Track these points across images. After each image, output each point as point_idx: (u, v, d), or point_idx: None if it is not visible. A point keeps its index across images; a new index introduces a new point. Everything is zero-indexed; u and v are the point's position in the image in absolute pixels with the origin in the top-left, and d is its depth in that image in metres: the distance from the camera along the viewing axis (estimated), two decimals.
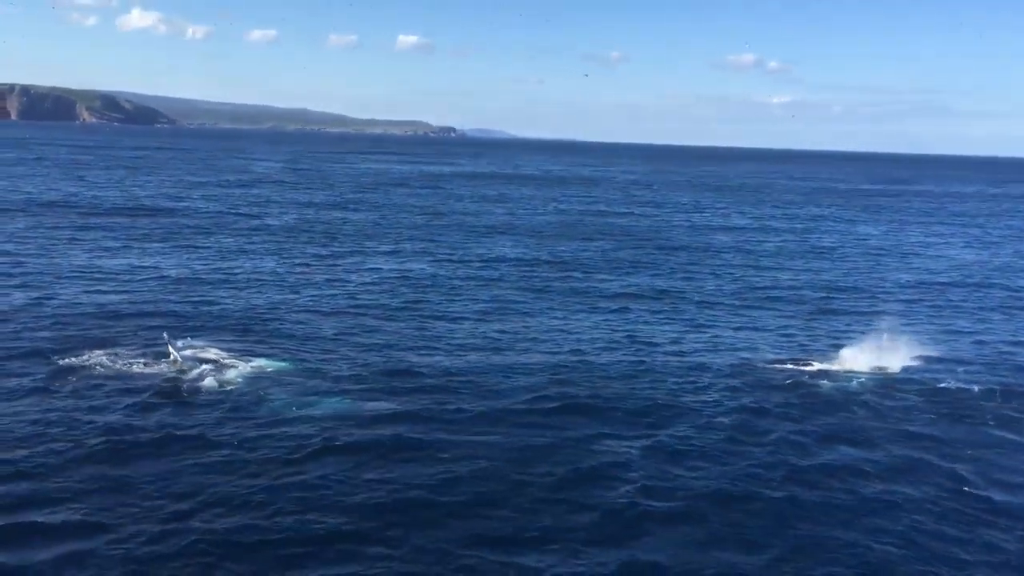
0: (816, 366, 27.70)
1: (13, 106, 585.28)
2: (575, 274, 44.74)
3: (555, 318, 33.79)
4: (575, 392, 24.09)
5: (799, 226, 75.14)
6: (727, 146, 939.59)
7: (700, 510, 16.94)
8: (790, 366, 27.90)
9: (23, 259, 41.16)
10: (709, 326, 33.66)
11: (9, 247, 44.42)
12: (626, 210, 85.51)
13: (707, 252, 55.90)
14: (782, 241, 63.59)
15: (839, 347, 29.33)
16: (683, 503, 17.17)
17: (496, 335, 30.46)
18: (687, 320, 34.66)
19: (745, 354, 29.33)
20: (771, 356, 29.10)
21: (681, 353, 29.06)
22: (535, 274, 44.24)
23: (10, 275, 36.92)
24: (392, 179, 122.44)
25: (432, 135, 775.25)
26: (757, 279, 45.61)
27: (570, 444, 20.06)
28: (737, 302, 38.93)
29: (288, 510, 15.66)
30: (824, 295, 41.73)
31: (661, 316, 35.20)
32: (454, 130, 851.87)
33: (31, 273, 37.73)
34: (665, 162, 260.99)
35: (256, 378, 23.50)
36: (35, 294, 33.33)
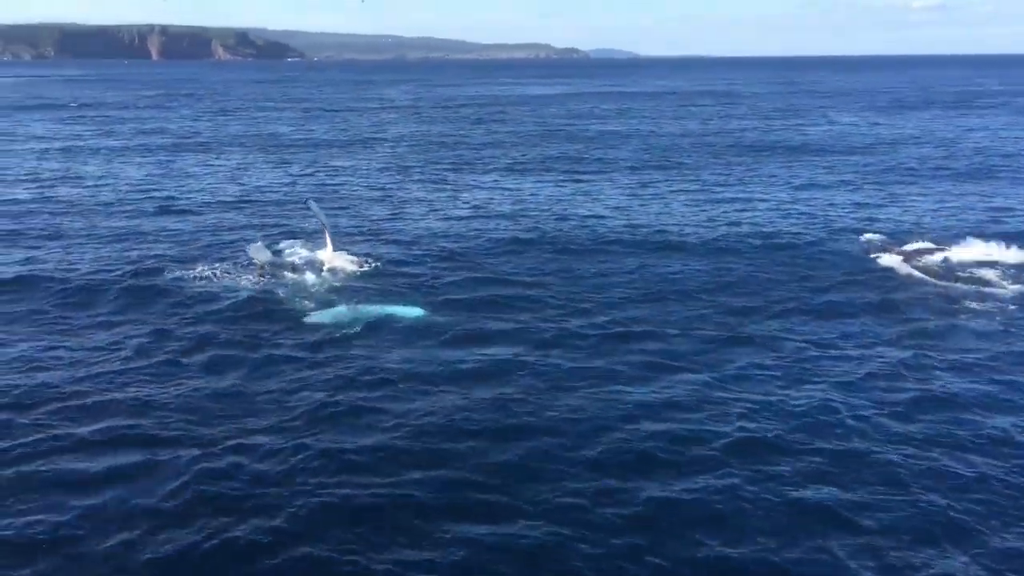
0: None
1: (154, 45, 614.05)
2: (691, 183, 43.17)
3: (666, 214, 32.79)
4: (685, 295, 23.26)
5: (942, 134, 69.81)
6: (864, 54, 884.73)
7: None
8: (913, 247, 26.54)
9: (153, 184, 43.38)
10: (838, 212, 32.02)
11: (145, 175, 46.94)
12: (753, 121, 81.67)
13: (843, 155, 52.89)
14: (930, 147, 59.32)
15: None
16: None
17: (602, 230, 29.90)
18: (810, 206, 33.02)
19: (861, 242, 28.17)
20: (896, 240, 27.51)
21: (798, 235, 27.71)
22: (648, 179, 43.12)
23: (130, 200, 38.93)
24: (514, 101, 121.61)
25: (555, 57, 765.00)
26: (895, 187, 42.78)
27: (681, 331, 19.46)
28: (862, 198, 36.79)
29: (353, 426, 15.09)
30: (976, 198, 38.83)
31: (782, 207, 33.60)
32: (577, 51, 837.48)
33: (155, 196, 39.63)
34: (797, 73, 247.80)
35: (342, 289, 23.23)
36: (150, 212, 35.30)
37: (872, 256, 26.65)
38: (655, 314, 21.33)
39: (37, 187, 40.81)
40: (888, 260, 25.94)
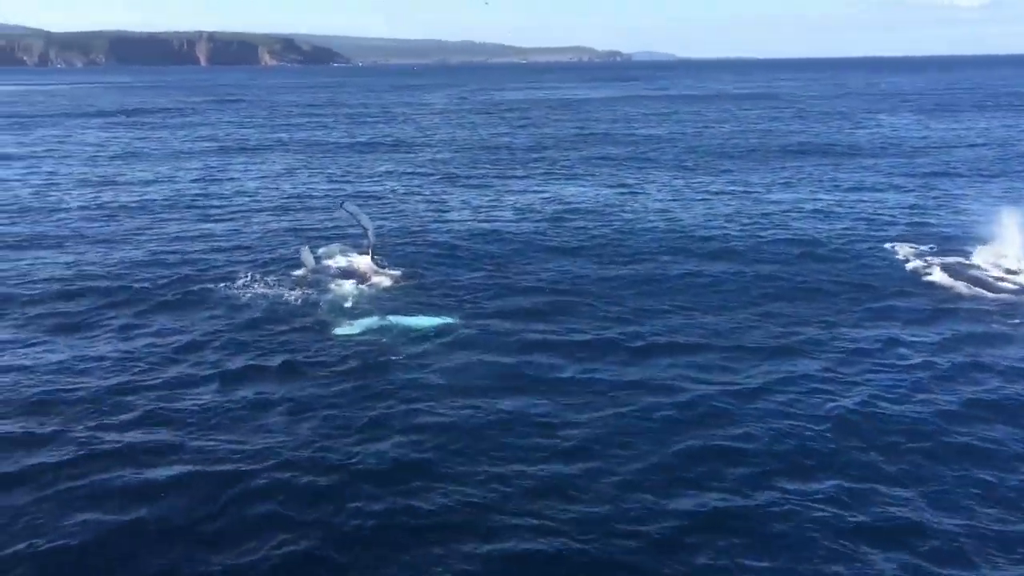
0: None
1: (202, 52, 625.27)
2: (737, 187, 42.44)
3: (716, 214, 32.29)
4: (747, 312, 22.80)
5: (998, 135, 67.95)
6: (911, 54, 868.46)
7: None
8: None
9: (199, 190, 44.09)
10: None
11: (191, 180, 47.62)
12: (802, 124, 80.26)
13: (895, 158, 51.62)
14: (985, 150, 57.76)
15: None
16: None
17: (644, 237, 29.46)
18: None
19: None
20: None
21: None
22: (694, 182, 42.47)
23: (180, 203, 39.47)
24: (557, 104, 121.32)
25: (597, 60, 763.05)
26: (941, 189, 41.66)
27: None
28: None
29: (388, 440, 14.82)
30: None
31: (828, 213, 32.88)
32: (620, 54, 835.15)
33: (200, 204, 40.15)
34: (844, 75, 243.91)
35: (380, 299, 22.94)
36: (199, 217, 35.70)
37: (922, 265, 25.77)
38: (698, 324, 20.88)
39: (87, 193, 41.53)
40: (939, 270, 25.00)
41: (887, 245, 28.85)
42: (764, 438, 14.68)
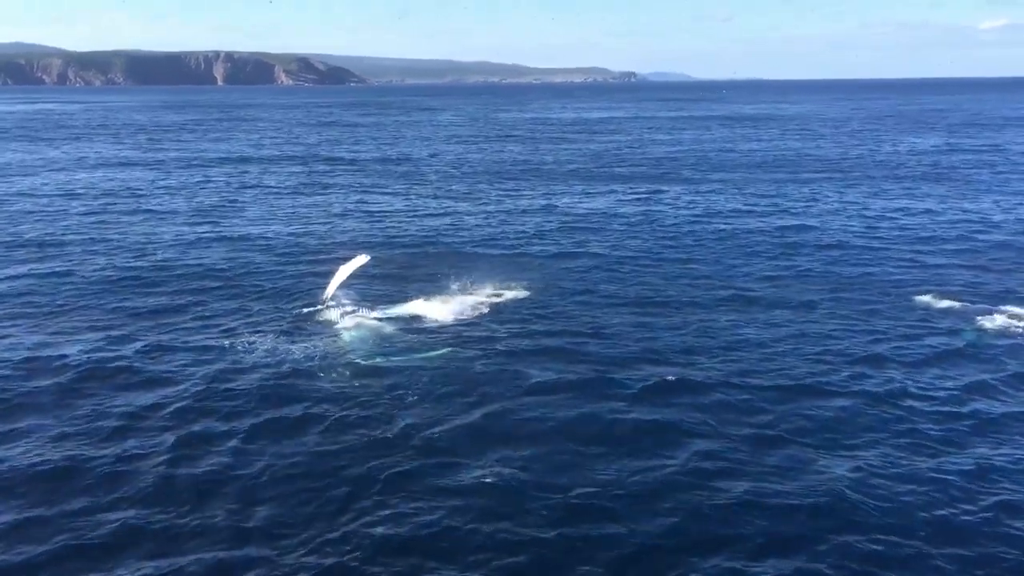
0: None
1: (219, 72, 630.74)
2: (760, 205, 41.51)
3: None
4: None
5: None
6: (926, 77, 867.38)
7: None
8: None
9: (206, 209, 43.45)
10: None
11: (204, 197, 47.09)
12: (828, 144, 79.30)
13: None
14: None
15: None
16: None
17: (656, 269, 28.57)
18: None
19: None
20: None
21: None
22: (711, 197, 41.53)
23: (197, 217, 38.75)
24: (570, 123, 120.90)
25: (612, 80, 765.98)
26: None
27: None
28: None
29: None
30: None
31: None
32: (634, 75, 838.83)
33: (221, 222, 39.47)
34: (861, 97, 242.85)
35: (388, 335, 21.58)
36: (222, 237, 35.07)
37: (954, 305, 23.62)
38: (715, 366, 19.18)
39: (92, 203, 41.02)
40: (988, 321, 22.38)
41: (914, 278, 27.67)
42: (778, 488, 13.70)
